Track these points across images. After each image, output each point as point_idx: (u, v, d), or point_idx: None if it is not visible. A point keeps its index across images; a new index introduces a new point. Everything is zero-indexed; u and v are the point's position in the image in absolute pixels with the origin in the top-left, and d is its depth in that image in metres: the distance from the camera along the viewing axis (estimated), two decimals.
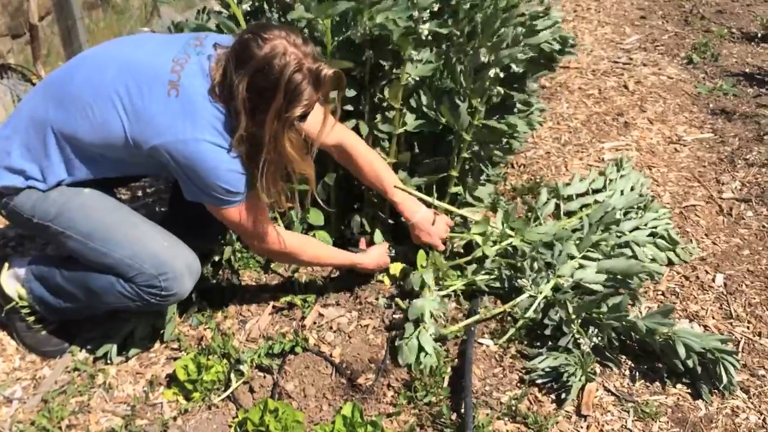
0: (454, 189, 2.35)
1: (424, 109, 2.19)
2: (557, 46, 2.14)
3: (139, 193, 2.85)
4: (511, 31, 1.96)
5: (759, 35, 4.61)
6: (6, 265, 2.00)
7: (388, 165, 2.18)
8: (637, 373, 1.93)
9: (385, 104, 2.19)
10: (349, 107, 2.20)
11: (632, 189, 2.37)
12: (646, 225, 2.35)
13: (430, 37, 2.07)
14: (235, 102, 1.60)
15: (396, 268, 2.29)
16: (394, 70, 2.14)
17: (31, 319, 1.99)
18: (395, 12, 1.94)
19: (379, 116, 2.21)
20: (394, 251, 2.32)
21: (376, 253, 2.25)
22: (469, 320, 2.05)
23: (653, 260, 2.31)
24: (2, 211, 1.83)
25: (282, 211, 2.07)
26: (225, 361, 1.97)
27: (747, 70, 4.06)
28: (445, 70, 2.20)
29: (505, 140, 2.34)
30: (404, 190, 2.15)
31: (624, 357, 1.98)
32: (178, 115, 1.64)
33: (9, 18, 3.50)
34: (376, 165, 2.12)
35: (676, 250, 2.38)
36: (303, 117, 1.67)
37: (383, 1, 1.95)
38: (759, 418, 1.80)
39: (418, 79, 2.18)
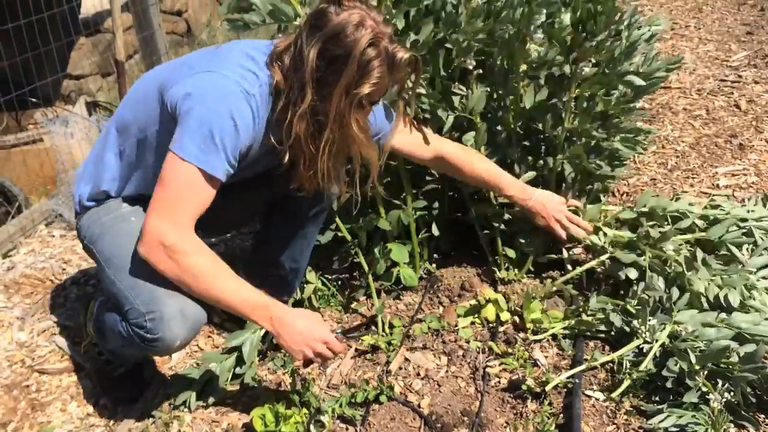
0: None
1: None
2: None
3: None
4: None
5: None
6: (92, 300, 1.95)
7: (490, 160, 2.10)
8: None
9: None
10: None
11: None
12: None
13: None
14: (302, 73, 1.49)
15: (489, 310, 2.09)
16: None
17: (104, 358, 1.90)
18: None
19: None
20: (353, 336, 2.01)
21: (305, 314, 1.64)
22: (574, 370, 1.81)
23: None
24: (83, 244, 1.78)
25: (339, 196, 1.95)
26: (304, 410, 1.81)
27: None
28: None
29: (605, 163, 2.16)
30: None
31: (762, 416, 1.70)
32: (212, 58, 1.60)
33: (99, 57, 3.57)
34: (482, 164, 2.05)
35: None
36: (370, 100, 1.56)
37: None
38: None
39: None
